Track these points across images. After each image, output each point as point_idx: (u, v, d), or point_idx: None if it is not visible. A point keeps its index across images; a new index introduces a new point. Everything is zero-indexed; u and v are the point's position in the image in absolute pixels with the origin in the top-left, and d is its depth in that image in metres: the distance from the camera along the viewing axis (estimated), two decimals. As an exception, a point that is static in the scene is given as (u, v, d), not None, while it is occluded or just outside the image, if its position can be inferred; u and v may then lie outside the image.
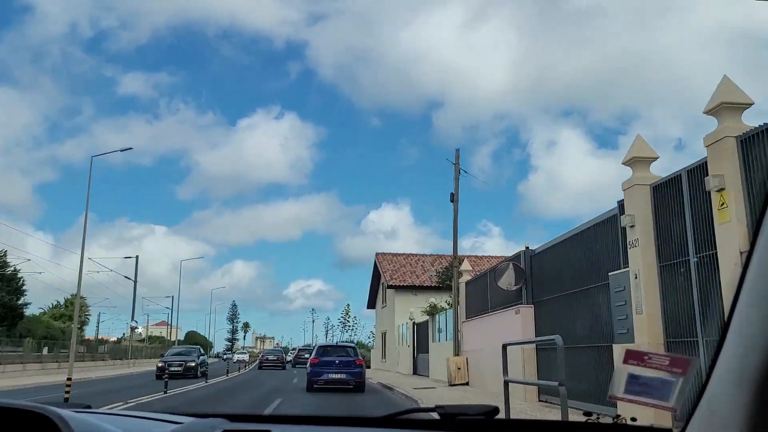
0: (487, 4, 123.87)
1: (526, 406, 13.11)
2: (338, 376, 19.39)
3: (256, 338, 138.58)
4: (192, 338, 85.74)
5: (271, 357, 43.44)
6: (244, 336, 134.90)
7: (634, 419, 1.59)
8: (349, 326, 73.71)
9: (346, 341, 43.19)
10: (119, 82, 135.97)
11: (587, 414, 1.73)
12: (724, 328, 1.00)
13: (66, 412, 1.28)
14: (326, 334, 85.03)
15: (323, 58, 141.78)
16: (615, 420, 1.59)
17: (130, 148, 27.52)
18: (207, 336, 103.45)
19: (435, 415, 1.76)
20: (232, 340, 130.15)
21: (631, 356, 1.34)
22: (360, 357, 20.55)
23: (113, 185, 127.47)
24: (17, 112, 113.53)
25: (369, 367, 36.41)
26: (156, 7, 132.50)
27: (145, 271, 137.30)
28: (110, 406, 12.73)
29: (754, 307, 0.92)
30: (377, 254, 44.66)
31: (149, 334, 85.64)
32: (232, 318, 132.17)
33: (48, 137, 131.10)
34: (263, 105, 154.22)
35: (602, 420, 1.66)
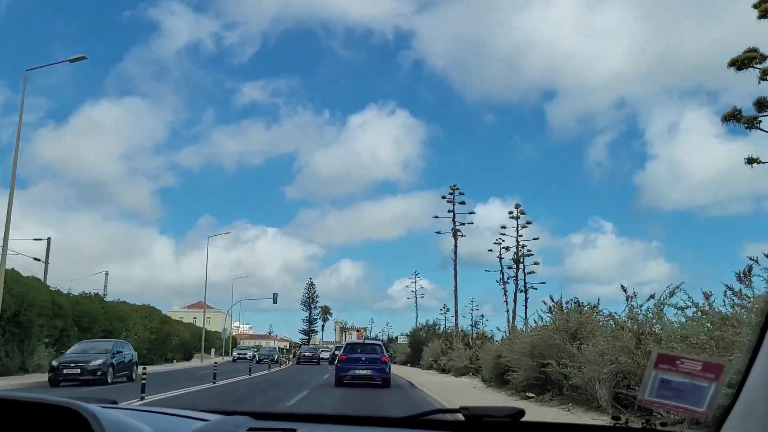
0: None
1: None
2: (364, 372, 20.19)
3: (340, 328, 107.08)
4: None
5: (307, 354, 51.67)
6: (323, 326, 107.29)
7: (664, 424, 1.55)
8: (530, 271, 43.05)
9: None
10: (238, 90, 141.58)
11: (615, 418, 1.70)
12: (761, 331, 0.97)
13: (97, 408, 1.30)
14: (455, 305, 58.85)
15: (433, 48, 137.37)
16: (644, 425, 1.56)
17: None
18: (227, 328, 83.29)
19: (460, 417, 1.75)
20: (309, 332, 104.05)
21: (663, 360, 1.31)
22: (385, 354, 21.21)
23: (227, 187, 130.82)
24: (142, 121, 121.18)
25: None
26: (263, 8, 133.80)
27: (254, 271, 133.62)
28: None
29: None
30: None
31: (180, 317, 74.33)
32: (309, 302, 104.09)
33: (169, 144, 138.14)
34: (374, 101, 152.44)
35: (631, 424, 1.63)
